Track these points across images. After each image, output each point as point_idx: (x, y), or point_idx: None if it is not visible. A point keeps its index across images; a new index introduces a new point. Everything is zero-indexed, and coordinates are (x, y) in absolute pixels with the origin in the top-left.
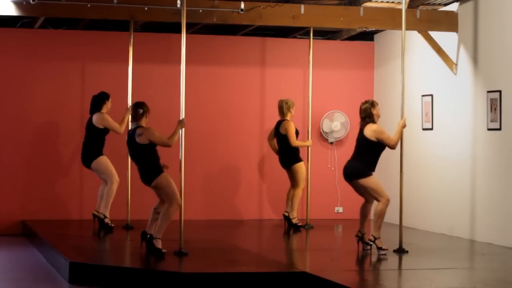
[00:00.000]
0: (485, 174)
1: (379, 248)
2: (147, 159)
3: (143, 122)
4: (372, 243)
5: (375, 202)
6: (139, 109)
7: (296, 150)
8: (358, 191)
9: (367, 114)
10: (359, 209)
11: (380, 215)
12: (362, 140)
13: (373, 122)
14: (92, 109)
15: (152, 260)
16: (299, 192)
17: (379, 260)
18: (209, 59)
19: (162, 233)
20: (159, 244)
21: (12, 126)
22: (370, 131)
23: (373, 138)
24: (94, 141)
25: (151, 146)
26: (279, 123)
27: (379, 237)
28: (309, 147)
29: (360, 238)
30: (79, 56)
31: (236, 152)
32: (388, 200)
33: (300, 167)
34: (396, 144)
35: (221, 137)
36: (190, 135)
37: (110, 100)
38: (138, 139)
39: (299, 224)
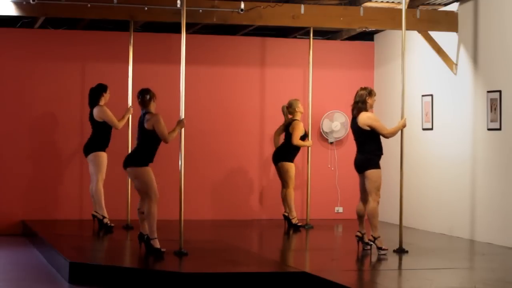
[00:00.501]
0: (485, 174)
1: (379, 248)
2: (146, 145)
3: (152, 107)
4: (372, 243)
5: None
6: (146, 95)
7: (292, 150)
8: (362, 186)
9: (361, 100)
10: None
11: (373, 214)
12: (358, 132)
13: (365, 109)
14: (91, 102)
15: (151, 260)
16: (290, 192)
17: (379, 260)
18: (209, 59)
19: (155, 232)
20: (156, 244)
21: (12, 126)
22: (363, 119)
23: (366, 127)
24: (99, 135)
25: (156, 136)
26: (290, 122)
27: (379, 237)
28: (309, 147)
29: (360, 238)
30: (79, 56)
31: (236, 152)
32: (378, 200)
33: (289, 166)
34: (390, 134)
35: (221, 137)
36: (190, 135)
37: (108, 92)
38: (146, 125)
39: (299, 224)
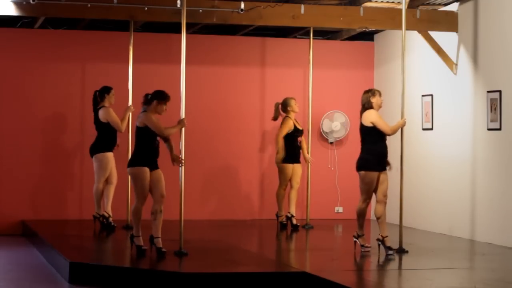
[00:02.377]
0: (485, 174)
1: (362, 246)
2: (139, 144)
3: (150, 107)
4: (356, 239)
5: (373, 203)
6: (147, 95)
7: (289, 149)
8: None
9: (366, 102)
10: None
11: (358, 214)
12: (361, 129)
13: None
14: (94, 104)
15: (152, 260)
16: (280, 192)
17: (379, 260)
18: (209, 59)
19: (137, 230)
20: (139, 241)
21: (12, 127)
22: (366, 116)
23: (368, 124)
24: (104, 136)
25: (146, 133)
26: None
27: (363, 235)
28: (309, 147)
29: (357, 238)
30: (79, 56)
31: (237, 152)
32: (368, 201)
33: (284, 167)
34: (392, 131)
35: (221, 137)
36: (190, 135)
37: (111, 94)
38: (137, 122)
39: (284, 222)
